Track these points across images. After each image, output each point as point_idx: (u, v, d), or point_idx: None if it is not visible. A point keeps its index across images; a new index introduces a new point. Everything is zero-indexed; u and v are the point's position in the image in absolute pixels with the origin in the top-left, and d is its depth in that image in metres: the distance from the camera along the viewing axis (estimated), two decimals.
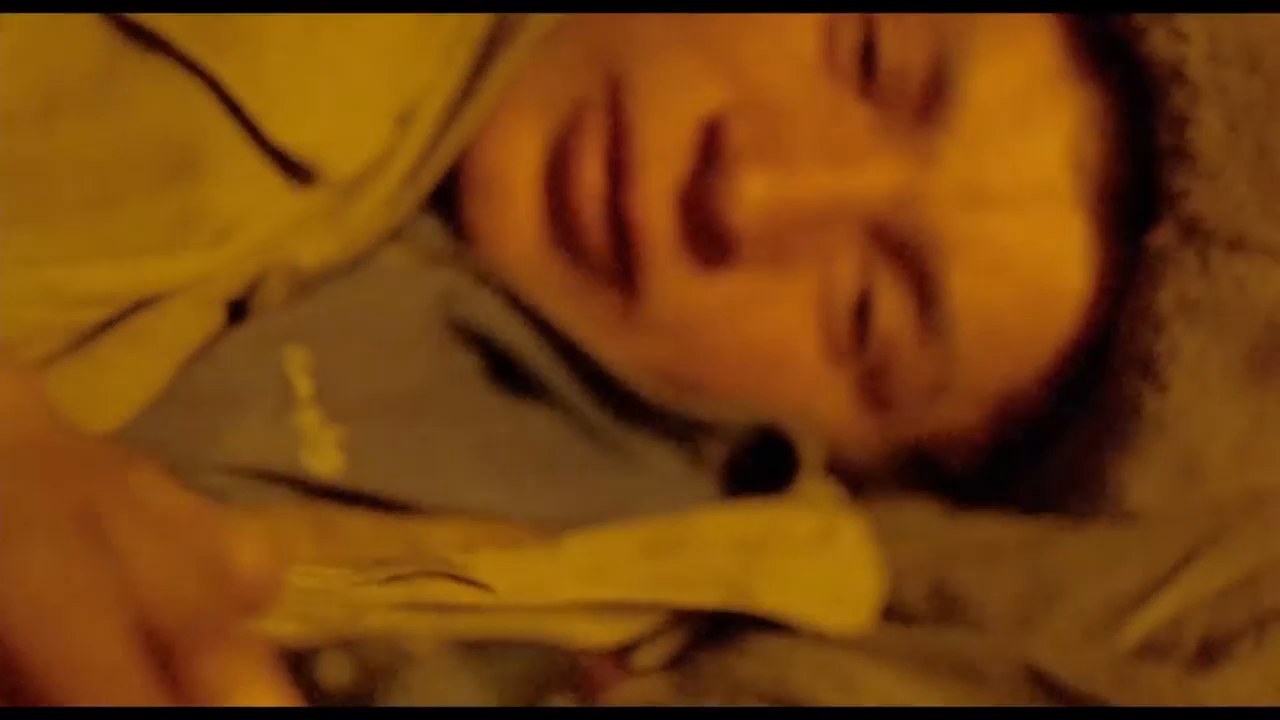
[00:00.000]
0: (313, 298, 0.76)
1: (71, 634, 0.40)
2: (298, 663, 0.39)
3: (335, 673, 0.39)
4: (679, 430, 0.83)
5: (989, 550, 0.84)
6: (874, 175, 0.80)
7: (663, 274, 0.80)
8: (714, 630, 0.82)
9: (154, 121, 0.70)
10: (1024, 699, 0.78)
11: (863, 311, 0.81)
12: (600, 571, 0.76)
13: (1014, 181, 0.81)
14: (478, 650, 0.40)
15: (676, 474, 0.84)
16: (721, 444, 0.85)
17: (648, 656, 0.78)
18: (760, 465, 0.86)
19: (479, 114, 0.79)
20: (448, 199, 0.81)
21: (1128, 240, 0.81)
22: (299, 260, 0.75)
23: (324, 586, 0.68)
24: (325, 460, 0.74)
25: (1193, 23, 0.78)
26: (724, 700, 0.75)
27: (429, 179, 0.79)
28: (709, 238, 0.79)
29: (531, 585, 0.74)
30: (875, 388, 0.83)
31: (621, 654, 0.73)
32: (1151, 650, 0.80)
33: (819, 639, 0.81)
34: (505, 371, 0.81)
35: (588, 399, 0.82)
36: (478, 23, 0.81)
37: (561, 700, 0.40)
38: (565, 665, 0.41)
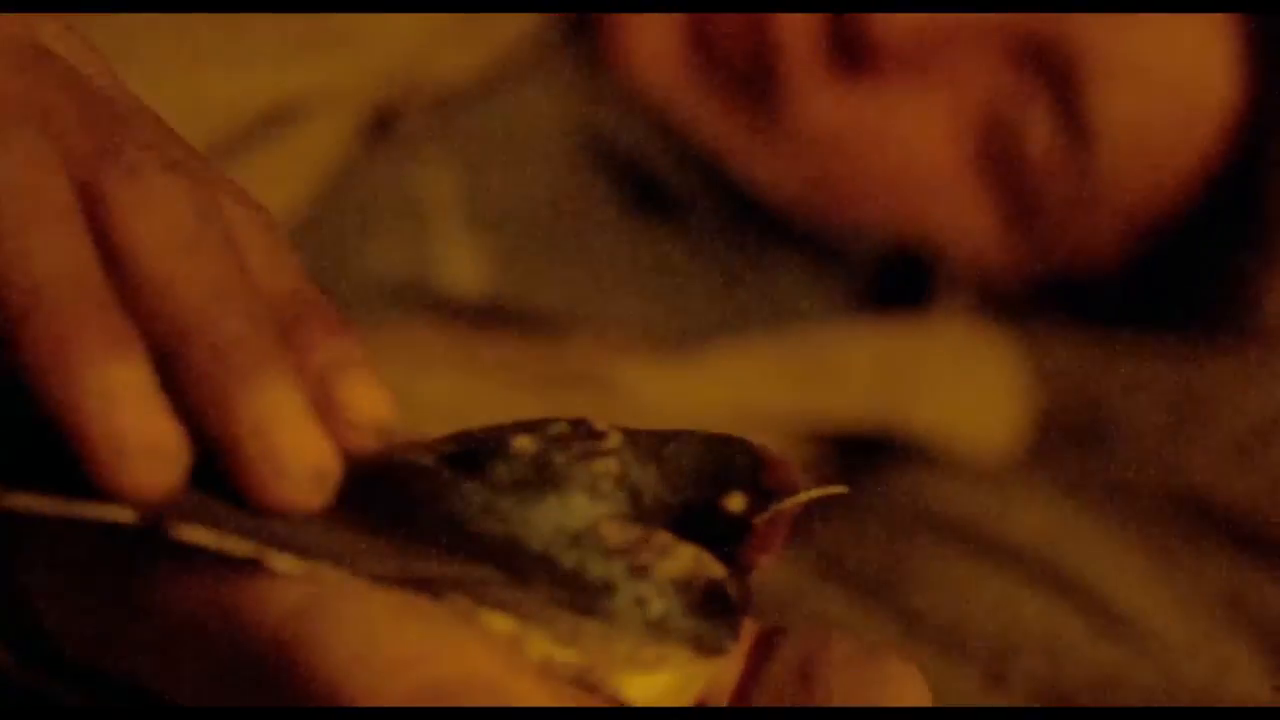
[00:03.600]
0: (456, 114, 0.75)
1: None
2: (482, 443, 0.38)
3: (523, 444, 0.37)
4: (818, 251, 0.82)
5: (1135, 371, 0.83)
6: None
7: (805, 86, 0.79)
8: (849, 461, 0.81)
9: None
10: (1177, 522, 0.76)
11: (1007, 128, 0.80)
12: (745, 382, 0.76)
13: None
14: (652, 440, 0.39)
15: (814, 297, 0.83)
16: (862, 265, 0.84)
17: None
18: (902, 288, 0.84)
19: None
20: (588, 24, 0.80)
21: (1272, 48, 0.80)
22: (438, 75, 0.74)
23: (466, 401, 0.67)
24: (467, 272, 0.73)
25: None
26: (884, 526, 0.74)
27: None
28: (852, 50, 0.78)
29: (677, 394, 0.73)
30: (1020, 205, 0.82)
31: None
32: None
33: (964, 465, 0.80)
34: (642, 194, 0.80)
35: (725, 220, 0.81)
36: None
37: (738, 501, 0.39)
38: (746, 462, 0.39)
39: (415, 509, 0.36)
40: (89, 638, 0.37)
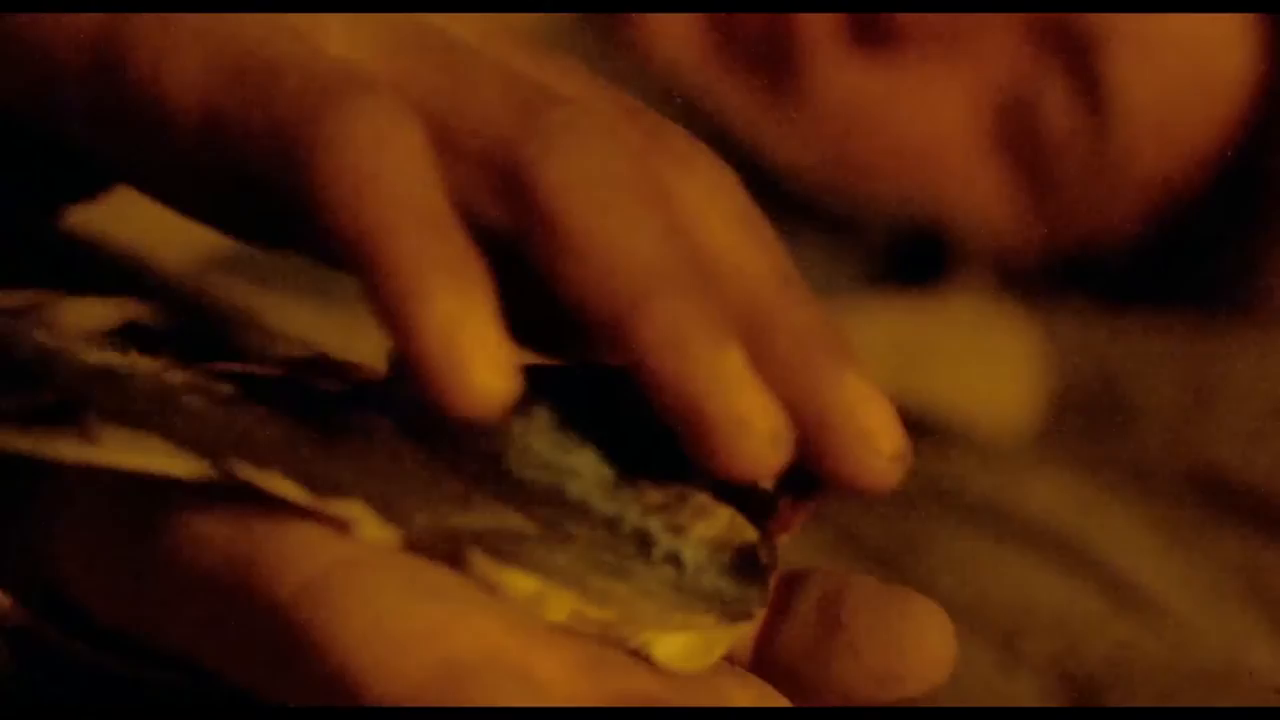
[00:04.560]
0: None
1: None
2: (527, 381, 0.38)
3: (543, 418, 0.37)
4: (834, 226, 0.82)
5: (1152, 348, 0.83)
6: None
7: (823, 62, 0.79)
8: None
9: None
10: (1193, 501, 0.76)
11: (1025, 103, 0.80)
12: None
13: None
14: None
15: (830, 273, 0.83)
16: (878, 241, 0.83)
17: None
18: (918, 264, 0.84)
19: None
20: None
21: None
22: None
23: None
24: None
25: None
26: (899, 503, 0.74)
27: None
28: (871, 24, 0.78)
29: None
30: (1037, 181, 0.82)
31: None
32: None
33: (979, 442, 0.80)
34: None
35: None
36: None
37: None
38: None
39: (461, 442, 0.36)
40: (115, 602, 0.37)
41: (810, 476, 0.39)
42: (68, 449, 0.35)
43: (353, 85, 0.35)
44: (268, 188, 0.36)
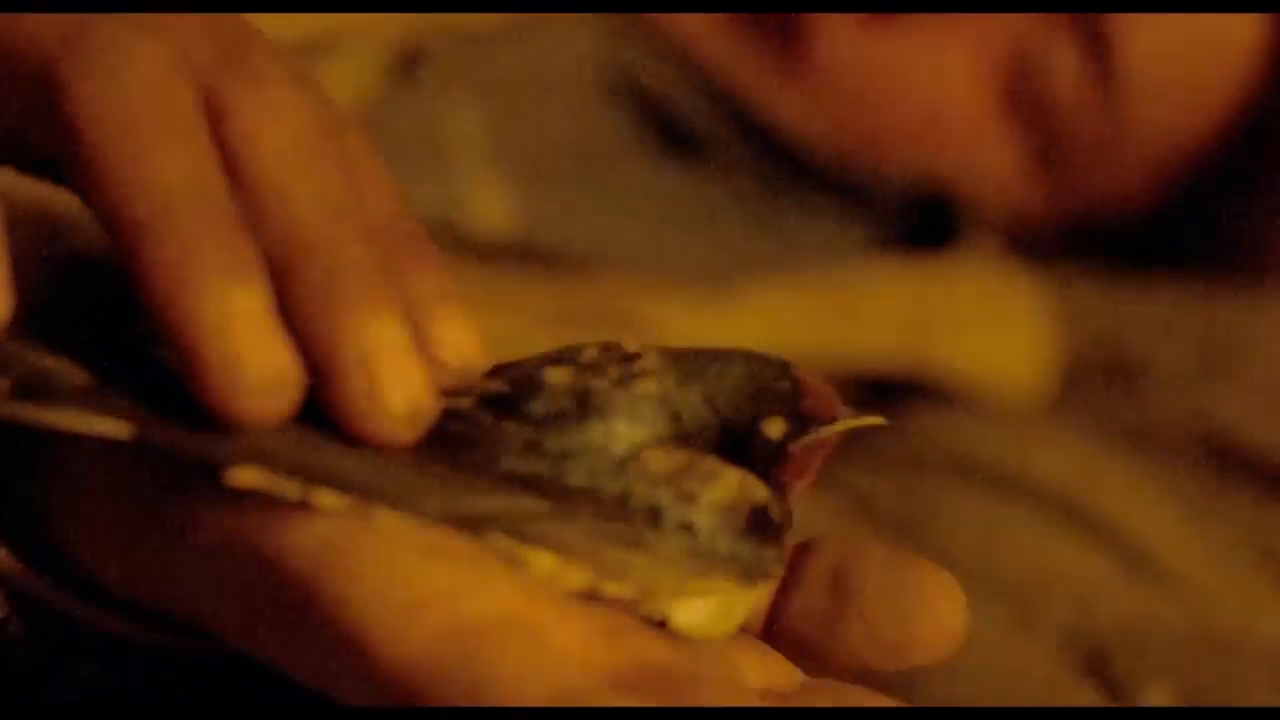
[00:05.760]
0: (483, 53, 0.75)
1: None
2: (516, 382, 0.37)
3: (558, 377, 0.37)
4: (845, 192, 0.82)
5: (1163, 313, 0.83)
6: None
7: (831, 27, 0.79)
8: (877, 403, 0.81)
9: None
10: (1206, 466, 0.76)
11: (1034, 67, 0.80)
12: (770, 321, 0.75)
13: None
14: (693, 360, 0.38)
15: (841, 238, 0.83)
16: (889, 206, 0.83)
17: None
18: (929, 229, 0.84)
19: None
20: None
21: None
22: (466, 13, 0.74)
23: (494, 340, 0.67)
24: (494, 211, 0.73)
25: None
26: (913, 469, 0.74)
27: None
28: None
29: (703, 332, 0.73)
30: (1047, 145, 0.82)
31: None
32: None
33: (992, 407, 0.80)
34: (669, 134, 0.80)
35: (752, 160, 0.81)
36: None
37: (777, 426, 0.38)
38: (786, 387, 0.39)
39: (455, 452, 0.36)
40: (127, 572, 0.37)
41: (814, 418, 0.39)
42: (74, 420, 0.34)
43: None
44: None
